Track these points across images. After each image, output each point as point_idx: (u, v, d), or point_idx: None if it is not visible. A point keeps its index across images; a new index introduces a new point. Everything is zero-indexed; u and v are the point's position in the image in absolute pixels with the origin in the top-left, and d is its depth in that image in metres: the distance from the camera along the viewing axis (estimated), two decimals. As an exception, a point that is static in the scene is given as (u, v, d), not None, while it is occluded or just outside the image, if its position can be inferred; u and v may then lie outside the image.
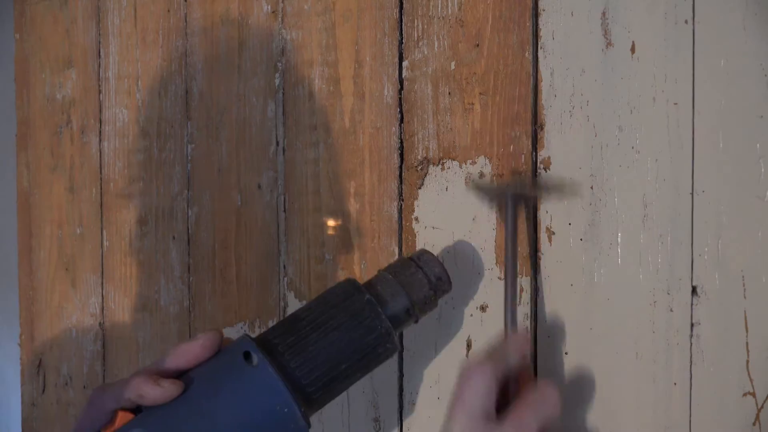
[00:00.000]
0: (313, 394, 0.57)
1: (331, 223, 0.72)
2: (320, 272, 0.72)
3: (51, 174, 0.92)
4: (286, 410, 0.55)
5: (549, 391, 0.56)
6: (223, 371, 0.56)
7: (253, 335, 0.58)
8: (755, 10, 0.54)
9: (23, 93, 0.94)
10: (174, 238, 0.82)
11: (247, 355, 0.56)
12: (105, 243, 0.87)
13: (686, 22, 0.57)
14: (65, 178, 0.90)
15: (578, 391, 0.61)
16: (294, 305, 0.73)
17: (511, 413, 0.54)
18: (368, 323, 0.58)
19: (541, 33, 0.62)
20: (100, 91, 0.87)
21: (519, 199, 0.62)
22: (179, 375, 0.57)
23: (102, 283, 0.88)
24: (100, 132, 0.87)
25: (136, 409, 0.56)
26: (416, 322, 0.62)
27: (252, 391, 0.55)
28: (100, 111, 0.87)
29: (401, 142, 0.68)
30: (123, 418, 0.55)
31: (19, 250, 0.95)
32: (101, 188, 0.87)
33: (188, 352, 0.57)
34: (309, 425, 0.56)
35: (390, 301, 0.59)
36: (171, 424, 0.54)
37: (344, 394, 0.71)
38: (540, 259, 0.62)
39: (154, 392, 0.55)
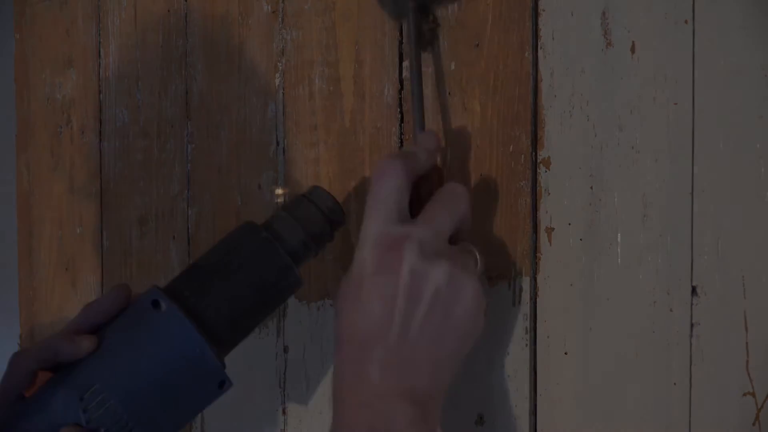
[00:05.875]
0: (222, 335, 0.58)
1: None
2: (321, 272, 0.72)
3: (51, 174, 0.92)
4: (198, 351, 0.56)
5: (459, 189, 0.57)
6: (134, 321, 0.58)
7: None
8: (755, 10, 0.54)
9: (23, 93, 0.94)
10: (174, 238, 0.82)
11: (155, 303, 0.57)
12: (105, 243, 0.87)
13: (686, 22, 0.57)
14: (65, 178, 0.90)
15: (578, 391, 0.61)
16: (294, 306, 0.73)
17: (424, 212, 0.55)
18: (268, 260, 0.60)
19: (541, 33, 0.62)
20: (100, 91, 0.87)
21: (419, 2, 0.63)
22: (94, 331, 0.59)
23: (102, 283, 0.88)
24: (100, 132, 0.87)
25: (55, 368, 0.58)
26: (316, 255, 0.63)
27: (163, 336, 0.57)
28: (100, 111, 0.87)
29: (402, 143, 0.68)
30: (43, 377, 0.57)
31: (19, 250, 0.95)
32: (101, 188, 0.87)
33: (99, 308, 0.60)
34: (224, 365, 0.58)
35: (287, 237, 0.61)
36: (88, 377, 0.56)
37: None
38: (540, 259, 0.63)
39: (69, 348, 0.57)
